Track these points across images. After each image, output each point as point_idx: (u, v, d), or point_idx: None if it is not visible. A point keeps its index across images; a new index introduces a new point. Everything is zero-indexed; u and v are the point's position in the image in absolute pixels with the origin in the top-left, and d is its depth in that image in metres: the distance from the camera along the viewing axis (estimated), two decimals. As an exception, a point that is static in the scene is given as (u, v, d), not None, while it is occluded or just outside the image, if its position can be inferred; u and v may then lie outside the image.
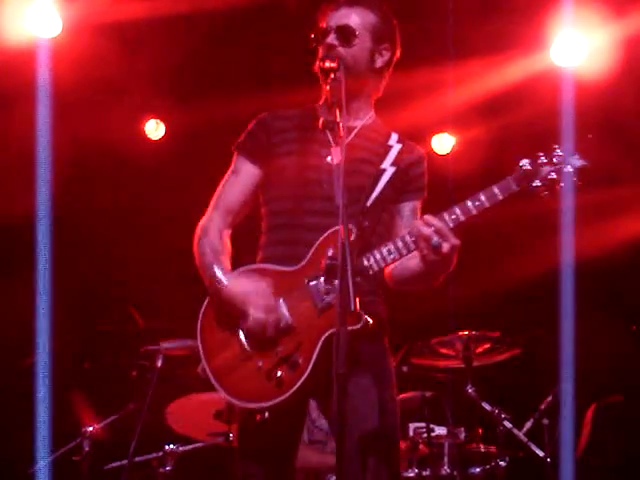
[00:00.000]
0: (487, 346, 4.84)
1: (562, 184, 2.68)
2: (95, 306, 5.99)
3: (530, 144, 5.61)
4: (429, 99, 5.56)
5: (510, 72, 5.47)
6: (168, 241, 5.69)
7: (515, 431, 4.59)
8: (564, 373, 4.35)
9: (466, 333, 4.75)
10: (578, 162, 2.69)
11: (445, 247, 2.64)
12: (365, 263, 2.75)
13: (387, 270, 2.88)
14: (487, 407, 4.66)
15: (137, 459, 4.56)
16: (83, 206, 6.01)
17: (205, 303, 2.89)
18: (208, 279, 2.85)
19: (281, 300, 2.78)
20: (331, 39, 2.92)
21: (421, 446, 4.72)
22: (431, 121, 5.90)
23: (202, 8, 5.11)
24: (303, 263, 2.81)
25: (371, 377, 2.80)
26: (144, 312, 5.13)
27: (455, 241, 2.66)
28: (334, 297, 2.70)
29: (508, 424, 4.59)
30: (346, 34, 2.92)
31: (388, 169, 2.93)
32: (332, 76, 2.84)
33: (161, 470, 4.60)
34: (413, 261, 2.79)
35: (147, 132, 6.14)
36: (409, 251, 2.74)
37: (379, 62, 3.00)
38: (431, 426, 4.68)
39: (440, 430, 4.74)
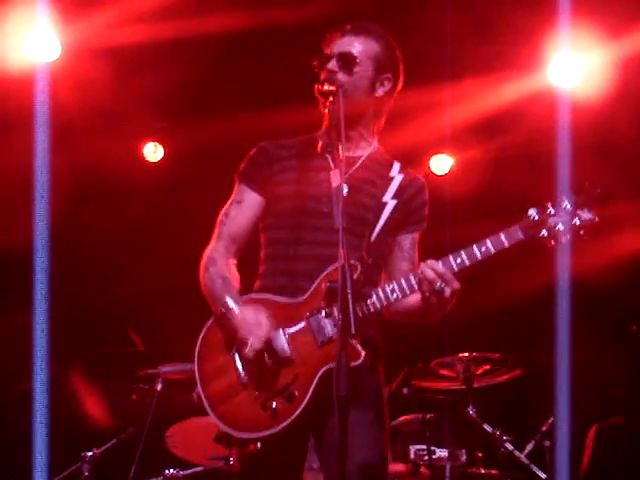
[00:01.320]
0: (487, 367, 4.83)
1: (568, 236, 2.70)
2: (94, 329, 5.98)
3: (527, 165, 5.67)
4: (427, 120, 5.58)
5: (507, 93, 5.50)
6: (167, 264, 5.70)
7: (517, 453, 4.56)
8: (559, 393, 4.34)
9: (466, 354, 4.74)
10: (587, 215, 2.69)
11: (447, 292, 2.69)
12: (368, 302, 2.77)
13: (389, 309, 2.90)
14: (488, 429, 4.64)
15: (137, 484, 4.53)
16: (82, 229, 6.01)
17: (204, 330, 2.88)
18: (219, 308, 2.84)
19: (281, 331, 2.78)
20: (332, 65, 2.94)
21: (422, 469, 4.70)
22: (429, 142, 5.92)
23: (201, 31, 5.13)
24: (305, 296, 2.81)
25: (368, 413, 2.79)
26: (143, 336, 5.13)
27: (457, 286, 2.71)
28: (335, 332, 2.70)
29: (509, 446, 4.57)
30: (347, 61, 2.95)
31: (389, 202, 2.94)
32: (330, 99, 2.86)
33: (161, 494, 4.57)
34: (413, 298, 2.82)
35: (145, 155, 6.16)
36: (412, 292, 2.77)
37: (380, 91, 3.01)
38: (432, 448, 4.66)
39: (441, 452, 4.71)
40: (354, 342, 2.65)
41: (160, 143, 6.16)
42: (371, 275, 2.84)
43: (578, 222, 2.68)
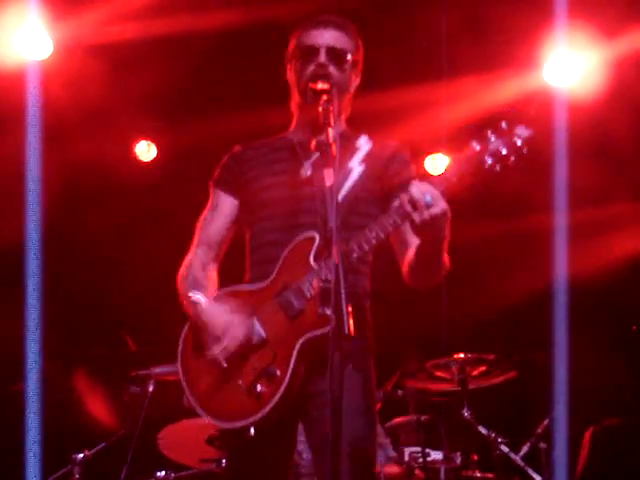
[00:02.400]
0: (483, 369, 4.81)
1: (513, 158, 2.65)
2: (86, 330, 5.94)
3: (524, 164, 5.64)
4: (422, 119, 5.56)
5: (503, 92, 5.48)
6: (160, 264, 5.65)
7: (512, 455, 4.54)
8: (557, 394, 4.31)
9: (461, 356, 4.72)
10: (525, 132, 2.66)
11: (437, 209, 2.59)
12: (350, 250, 2.71)
13: (403, 270, 2.89)
14: (483, 431, 4.61)
15: (128, 486, 4.50)
16: (74, 229, 5.98)
17: (184, 332, 2.89)
18: (187, 304, 2.86)
19: (254, 318, 2.79)
20: (323, 58, 2.92)
21: (417, 471, 4.66)
22: (425, 141, 5.90)
23: (194, 30, 5.11)
24: (271, 277, 2.83)
25: (355, 383, 2.77)
26: (136, 336, 5.09)
27: (444, 204, 2.61)
28: (302, 302, 2.73)
29: (505, 448, 4.54)
30: (338, 56, 2.94)
31: (355, 167, 2.92)
32: (325, 98, 2.82)
33: (152, 497, 4.53)
34: (411, 250, 2.81)
35: (138, 154, 6.13)
36: (394, 225, 2.68)
37: (353, 86, 3.04)
38: (427, 450, 4.63)
39: (436, 455, 4.69)
40: (321, 309, 2.64)
41: (153, 142, 6.13)
42: (347, 235, 2.71)
43: (519, 142, 2.65)
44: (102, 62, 5.27)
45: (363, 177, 2.90)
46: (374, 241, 2.72)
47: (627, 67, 5.25)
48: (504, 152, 2.65)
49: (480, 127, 5.48)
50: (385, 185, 2.94)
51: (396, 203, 2.70)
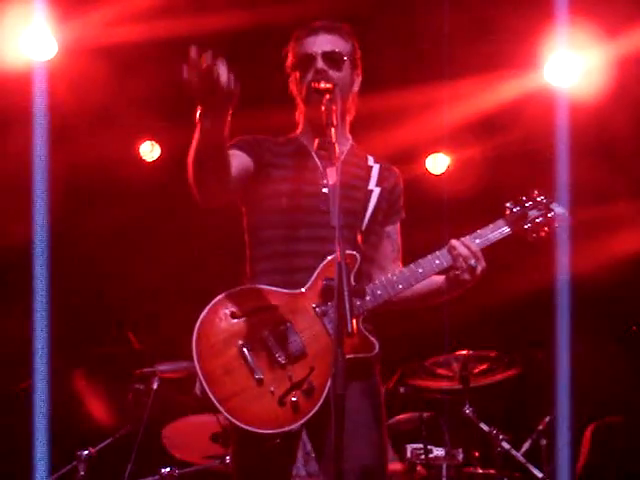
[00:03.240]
0: (484, 366, 4.83)
1: (547, 229, 2.91)
2: (91, 329, 5.97)
3: (524, 163, 5.67)
4: (424, 119, 5.58)
5: (504, 92, 5.50)
6: (165, 262, 5.69)
7: (513, 452, 4.56)
8: (560, 392, 4.33)
9: (463, 353, 4.74)
10: (560, 210, 2.91)
11: (479, 269, 2.84)
12: (373, 293, 2.81)
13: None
14: (485, 428, 4.64)
15: (133, 483, 4.53)
16: (79, 228, 6.00)
17: (199, 323, 2.78)
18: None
19: (290, 325, 2.78)
20: (321, 65, 2.96)
21: (419, 467, 4.69)
22: (426, 141, 5.93)
23: (198, 30, 5.12)
24: (306, 287, 2.82)
25: (366, 414, 2.81)
26: (140, 334, 5.12)
27: (484, 264, 2.85)
28: (350, 324, 2.64)
29: (506, 445, 4.57)
30: (335, 59, 2.98)
31: (374, 190, 3.00)
32: (327, 97, 2.85)
33: (157, 493, 4.56)
34: (435, 279, 2.93)
35: (142, 154, 6.15)
36: (417, 282, 2.86)
37: (356, 86, 3.08)
38: (429, 447, 4.66)
39: (438, 451, 4.71)
40: (366, 333, 2.75)
41: (157, 142, 6.15)
42: (364, 267, 2.87)
43: (552, 216, 2.91)
44: (106, 63, 5.29)
45: (381, 200, 2.99)
46: (414, 282, 2.86)
47: (628, 66, 5.26)
48: (541, 222, 2.97)
49: (482, 127, 5.52)
50: (387, 212, 3.03)
51: (418, 269, 2.84)
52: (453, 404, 4.83)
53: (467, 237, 2.89)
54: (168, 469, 4.52)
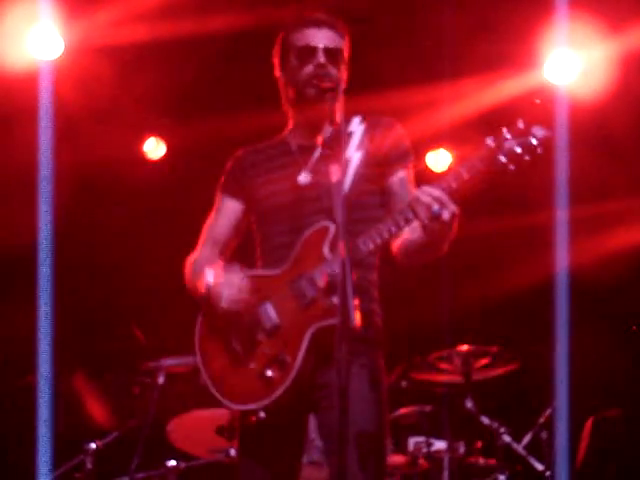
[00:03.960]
0: (486, 361, 4.85)
1: (527, 157, 2.64)
2: (96, 323, 6.01)
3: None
4: (424, 116, 5.60)
5: (504, 90, 5.52)
6: (169, 259, 5.72)
7: (514, 445, 4.60)
8: (559, 386, 4.37)
9: (465, 348, 4.77)
10: (541, 132, 2.66)
11: (445, 214, 2.64)
12: (361, 245, 2.76)
13: (394, 247, 2.92)
14: (486, 421, 4.68)
15: (138, 476, 4.57)
16: (84, 225, 6.03)
17: (199, 317, 2.95)
18: (201, 287, 2.88)
19: (267, 303, 2.86)
20: (323, 59, 2.95)
21: (421, 461, 4.74)
22: (427, 138, 5.95)
23: (203, 29, 5.16)
24: (286, 266, 2.88)
25: (363, 383, 2.82)
26: (145, 329, 5.16)
27: (454, 208, 2.65)
28: (315, 292, 2.78)
29: (507, 438, 4.61)
30: (335, 56, 2.97)
31: (353, 155, 2.93)
32: (329, 95, 2.86)
33: (163, 486, 4.62)
34: (416, 234, 2.81)
35: (147, 151, 6.17)
36: (407, 222, 2.73)
37: (344, 84, 3.05)
38: (430, 440, 4.70)
39: (440, 444, 4.75)
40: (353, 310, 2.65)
41: (162, 139, 6.17)
42: (354, 229, 2.76)
43: (534, 141, 2.65)
44: (112, 62, 5.32)
45: (362, 165, 2.91)
46: (387, 235, 2.75)
47: (629, 65, 5.27)
48: (519, 151, 2.65)
49: (483, 124, 5.57)
50: (384, 167, 2.95)
51: (405, 208, 2.71)
52: (455, 398, 4.87)
53: (439, 182, 2.70)
54: (174, 462, 4.58)
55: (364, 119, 2.99)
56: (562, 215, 4.73)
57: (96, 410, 5.17)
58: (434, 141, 6.10)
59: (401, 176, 2.96)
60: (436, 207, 2.64)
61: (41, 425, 4.35)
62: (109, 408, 4.86)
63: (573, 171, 4.83)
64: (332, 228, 2.82)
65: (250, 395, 2.82)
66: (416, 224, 2.75)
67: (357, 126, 2.98)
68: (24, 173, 5.15)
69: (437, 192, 2.66)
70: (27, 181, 5.07)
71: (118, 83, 5.42)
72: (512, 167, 2.66)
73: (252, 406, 2.82)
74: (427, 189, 2.68)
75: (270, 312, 2.86)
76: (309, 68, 2.96)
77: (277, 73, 3.10)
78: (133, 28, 5.09)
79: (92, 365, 5.66)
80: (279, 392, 2.78)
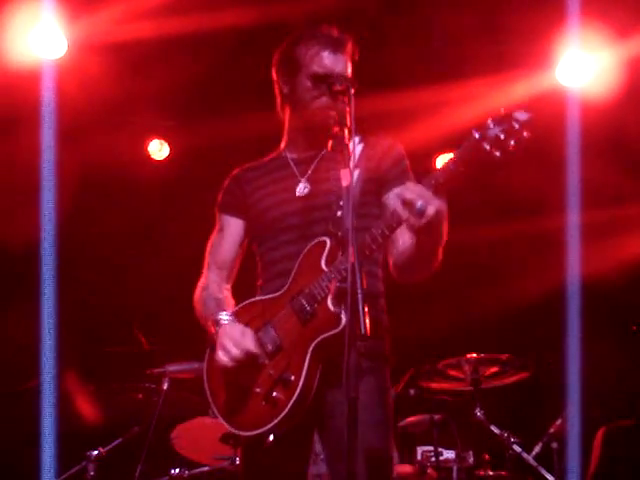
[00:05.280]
0: (496, 369, 4.81)
1: (512, 142, 2.58)
2: (101, 329, 5.97)
3: (535, 164, 5.65)
4: (434, 119, 5.57)
5: (515, 92, 5.48)
6: (174, 262, 5.68)
7: (524, 455, 4.55)
8: (571, 395, 4.31)
9: (474, 356, 4.73)
10: (523, 116, 2.60)
11: (430, 210, 2.59)
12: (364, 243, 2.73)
13: (390, 264, 2.91)
14: (496, 430, 4.62)
15: (142, 483, 4.52)
16: (88, 226, 6.00)
17: (208, 351, 2.94)
18: (211, 325, 2.91)
19: (268, 325, 2.85)
20: (339, 88, 2.87)
21: (429, 470, 4.68)
22: (436, 140, 5.90)
23: (208, 28, 5.13)
24: (286, 286, 2.87)
25: (371, 396, 2.78)
26: (150, 335, 5.12)
27: (438, 204, 2.60)
28: (314, 306, 2.76)
29: (517, 448, 4.55)
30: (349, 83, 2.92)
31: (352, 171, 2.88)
32: (343, 99, 2.81)
33: (166, 494, 4.56)
34: (407, 243, 2.81)
35: (151, 153, 6.15)
36: (398, 223, 2.69)
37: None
38: (439, 449, 4.65)
39: (448, 454, 4.71)
40: (332, 309, 2.70)
41: (166, 140, 6.15)
42: (359, 236, 2.69)
43: (517, 125, 2.59)
44: (116, 61, 5.29)
45: (360, 181, 2.90)
46: (380, 239, 2.71)
47: (640, 67, 5.25)
48: (502, 137, 2.59)
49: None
50: (382, 184, 2.96)
51: (391, 203, 2.69)
52: (464, 406, 4.82)
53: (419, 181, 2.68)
54: (178, 470, 4.54)
55: (362, 139, 3.00)
56: (574, 220, 4.67)
57: (86, 409, 5.11)
58: (444, 143, 6.04)
59: (397, 192, 2.90)
60: (420, 203, 2.58)
61: (45, 430, 4.30)
62: (100, 410, 4.79)
63: (585, 175, 4.78)
64: (328, 242, 2.82)
65: (258, 420, 2.79)
66: (407, 236, 2.75)
67: (356, 145, 2.92)
68: (27, 173, 5.11)
69: (419, 188, 2.61)
70: (30, 181, 5.02)
71: (122, 82, 5.38)
72: (497, 154, 2.60)
73: (259, 430, 2.79)
74: (410, 185, 2.65)
75: (271, 334, 2.84)
76: (322, 100, 2.95)
77: (280, 86, 3.08)
78: (137, 27, 5.05)
79: (94, 370, 5.61)
80: (284, 413, 2.75)
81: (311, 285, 2.78)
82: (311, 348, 2.74)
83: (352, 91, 2.81)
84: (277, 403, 2.76)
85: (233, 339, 2.81)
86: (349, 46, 3.02)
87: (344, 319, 2.64)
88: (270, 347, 2.82)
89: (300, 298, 2.80)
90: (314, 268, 2.81)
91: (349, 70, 2.99)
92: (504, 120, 2.59)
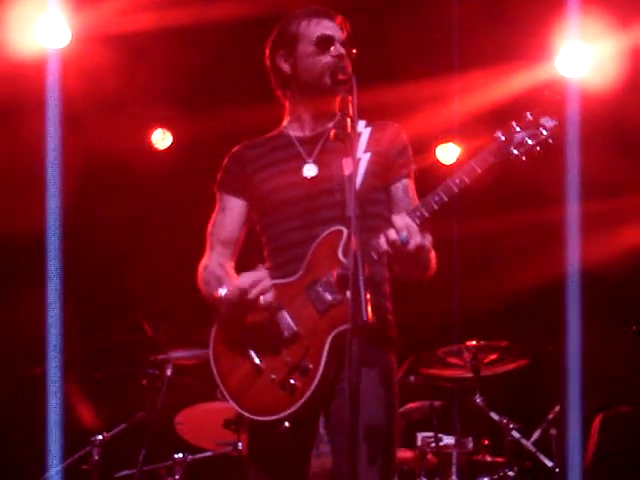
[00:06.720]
0: (495, 356, 4.84)
1: (539, 148, 2.66)
2: (105, 316, 6.00)
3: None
4: (434, 109, 5.58)
5: (515, 83, 5.49)
6: (177, 250, 5.72)
7: (523, 441, 4.59)
8: (570, 382, 4.36)
9: (474, 343, 4.75)
10: (550, 122, 2.68)
11: (411, 244, 2.63)
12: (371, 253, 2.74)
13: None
14: (495, 417, 4.66)
15: (146, 468, 4.56)
16: (92, 216, 6.02)
17: (213, 331, 2.91)
18: (218, 304, 2.86)
19: (284, 311, 2.82)
20: (342, 50, 2.93)
21: (429, 456, 4.73)
22: (436, 131, 5.92)
23: (210, 19, 5.14)
24: (300, 272, 2.85)
25: (373, 372, 2.80)
26: (153, 321, 5.15)
27: (419, 240, 2.63)
28: (333, 296, 2.75)
29: (516, 434, 4.59)
30: (349, 49, 2.95)
31: (362, 156, 2.90)
32: (345, 87, 2.82)
33: (170, 479, 4.61)
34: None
35: (154, 142, 6.16)
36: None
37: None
38: (439, 435, 4.69)
39: (448, 440, 4.74)
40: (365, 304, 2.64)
41: (168, 130, 6.16)
42: (367, 236, 2.73)
43: (544, 132, 2.67)
44: (119, 51, 5.30)
45: (372, 165, 2.90)
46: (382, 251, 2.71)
47: (640, 57, 5.25)
48: (530, 143, 2.67)
49: (493, 117, 5.53)
50: (391, 171, 2.94)
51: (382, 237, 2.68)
52: (464, 393, 4.85)
53: (417, 205, 2.72)
54: (181, 455, 4.58)
55: (368, 123, 2.98)
56: (574, 211, 4.70)
57: (83, 412, 5.16)
58: (443, 134, 6.07)
59: (405, 184, 2.96)
60: (403, 234, 2.63)
61: (50, 416, 4.34)
62: (95, 411, 4.83)
63: (585, 166, 4.80)
64: (345, 232, 2.78)
65: (274, 405, 2.79)
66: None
67: (363, 128, 2.96)
68: (31, 162, 5.15)
69: (408, 220, 2.65)
70: (34, 170, 5.05)
71: (125, 72, 5.40)
72: (524, 158, 2.68)
73: (276, 416, 2.78)
74: (395, 219, 2.66)
75: (288, 320, 2.82)
76: (327, 58, 2.92)
77: (279, 68, 3.03)
78: (140, 17, 5.07)
79: (99, 357, 5.65)
80: (303, 400, 2.76)
81: (328, 275, 2.77)
82: (330, 338, 2.74)
83: (353, 81, 2.78)
84: (295, 390, 2.76)
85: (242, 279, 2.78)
86: (342, 18, 3.01)
87: (365, 313, 2.57)
88: (286, 333, 2.80)
89: (317, 287, 2.78)
90: (330, 257, 2.78)
91: (345, 38, 2.95)
92: (531, 125, 2.66)
